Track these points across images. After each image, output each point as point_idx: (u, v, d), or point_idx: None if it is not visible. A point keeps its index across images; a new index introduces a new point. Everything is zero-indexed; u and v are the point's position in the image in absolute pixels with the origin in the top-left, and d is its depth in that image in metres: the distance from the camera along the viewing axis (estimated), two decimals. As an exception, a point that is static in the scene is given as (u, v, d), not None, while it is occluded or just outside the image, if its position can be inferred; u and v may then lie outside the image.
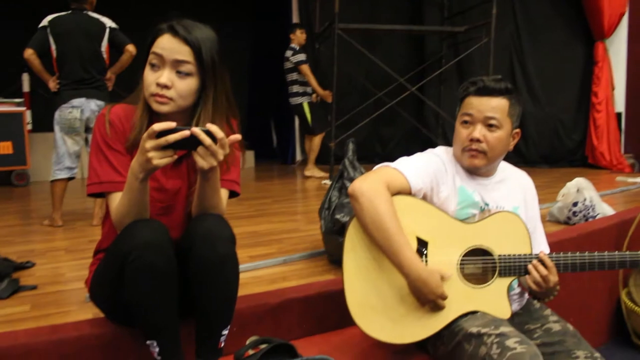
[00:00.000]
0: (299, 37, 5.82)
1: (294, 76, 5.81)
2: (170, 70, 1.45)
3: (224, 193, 1.58)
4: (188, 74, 1.46)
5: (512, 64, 7.08)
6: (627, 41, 6.60)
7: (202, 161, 1.32)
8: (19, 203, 4.70)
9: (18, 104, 5.63)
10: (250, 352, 1.64)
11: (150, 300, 1.38)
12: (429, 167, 1.69)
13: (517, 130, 1.72)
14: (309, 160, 6.02)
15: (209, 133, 1.28)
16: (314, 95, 5.96)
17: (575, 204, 3.32)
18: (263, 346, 1.64)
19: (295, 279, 2.36)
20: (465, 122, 1.67)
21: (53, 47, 3.54)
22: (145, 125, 1.48)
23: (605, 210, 3.36)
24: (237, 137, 1.38)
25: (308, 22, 6.96)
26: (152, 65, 1.46)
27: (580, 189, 3.35)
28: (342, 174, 2.62)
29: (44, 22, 3.53)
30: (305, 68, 5.71)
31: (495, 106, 1.63)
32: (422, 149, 1.79)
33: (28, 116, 5.76)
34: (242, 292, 1.61)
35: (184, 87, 1.46)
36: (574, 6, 6.65)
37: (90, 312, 1.92)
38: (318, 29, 6.77)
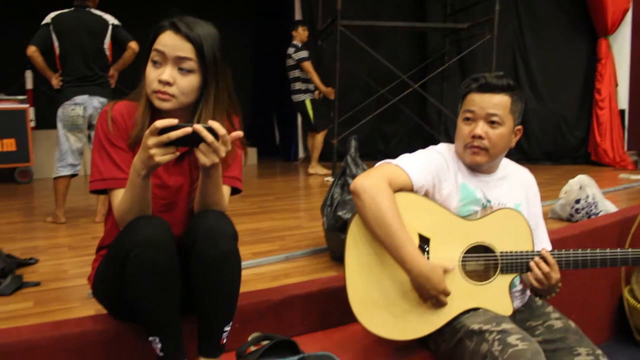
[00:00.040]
0: (301, 34, 5.82)
1: (296, 73, 5.81)
2: (172, 67, 1.45)
3: (226, 190, 1.58)
4: (190, 71, 1.46)
5: (515, 61, 7.06)
6: (631, 38, 6.58)
7: (204, 158, 1.33)
8: (22, 200, 4.71)
9: (21, 101, 5.64)
10: (252, 348, 1.64)
11: (152, 297, 1.39)
12: (431, 164, 1.69)
13: (519, 127, 1.72)
14: (312, 158, 6.01)
15: (211, 130, 1.28)
16: (316, 92, 5.95)
17: (577, 201, 3.32)
18: (265, 343, 1.65)
19: (298, 275, 2.37)
20: (467, 118, 1.67)
21: (56, 44, 3.54)
22: (148, 122, 1.48)
23: (607, 207, 3.36)
24: (239, 133, 1.38)
25: (310, 18, 6.94)
26: (154, 62, 1.47)
27: (582, 186, 3.34)
28: (344, 171, 2.62)
29: (47, 19, 3.53)
30: (307, 65, 5.71)
31: (497, 103, 1.63)
32: (425, 146, 1.79)
33: (31, 113, 5.77)
34: (244, 288, 1.62)
35: (186, 84, 1.46)
36: (577, 2, 6.63)
37: (93, 308, 1.93)
38: (320, 26, 6.76)
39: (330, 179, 5.37)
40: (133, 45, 3.68)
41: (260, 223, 3.46)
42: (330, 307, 1.98)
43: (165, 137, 1.25)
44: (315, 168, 5.96)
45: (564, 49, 6.84)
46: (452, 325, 1.61)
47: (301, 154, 7.43)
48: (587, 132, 6.85)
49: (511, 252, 1.63)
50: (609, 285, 3.00)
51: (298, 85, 5.85)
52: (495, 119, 1.63)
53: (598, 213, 3.30)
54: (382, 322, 1.61)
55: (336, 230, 2.44)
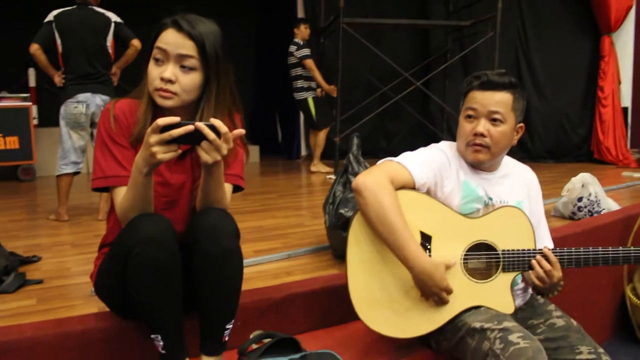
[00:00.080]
0: (303, 32, 5.81)
1: (298, 71, 5.81)
2: (175, 64, 1.45)
3: (228, 187, 1.58)
4: (192, 69, 1.46)
5: (518, 58, 7.05)
6: (634, 35, 6.56)
7: (206, 156, 1.33)
8: (25, 198, 4.72)
9: (24, 99, 5.65)
10: (254, 346, 1.65)
11: (154, 295, 1.39)
12: (432, 161, 1.68)
13: (521, 124, 1.71)
14: (314, 156, 6.01)
15: (212, 127, 1.29)
16: (318, 90, 5.94)
17: (580, 199, 3.32)
18: (267, 340, 1.65)
19: (300, 273, 2.37)
20: (469, 116, 1.67)
21: (58, 42, 3.54)
22: (150, 120, 1.49)
23: (610, 205, 3.35)
24: (241, 131, 1.39)
25: (313, 16, 6.93)
26: (156, 60, 1.47)
27: (585, 184, 3.34)
28: (346, 169, 2.62)
29: (50, 17, 3.54)
30: (310, 63, 5.71)
31: (499, 100, 1.63)
32: (427, 144, 1.79)
33: (34, 111, 5.77)
34: (246, 286, 1.62)
35: (188, 81, 1.46)
36: (581, 0, 6.61)
37: (96, 306, 1.93)
38: (323, 24, 6.76)
39: (333, 176, 5.37)
40: (135, 42, 3.68)
41: (263, 221, 3.46)
42: (332, 305, 1.98)
43: (167, 134, 1.26)
44: (318, 166, 5.96)
45: (566, 47, 6.82)
46: (454, 323, 1.61)
47: (303, 151, 7.43)
48: (590, 129, 6.84)
49: (513, 250, 1.63)
50: (611, 284, 3.00)
51: (300, 83, 5.84)
52: (497, 116, 1.63)
53: (600, 211, 3.29)
54: (384, 320, 1.62)
55: (338, 228, 2.44)
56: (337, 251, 2.56)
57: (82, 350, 1.61)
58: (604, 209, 3.30)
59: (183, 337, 1.48)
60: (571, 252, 1.65)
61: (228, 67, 1.53)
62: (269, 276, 2.34)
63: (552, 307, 1.77)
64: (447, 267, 1.58)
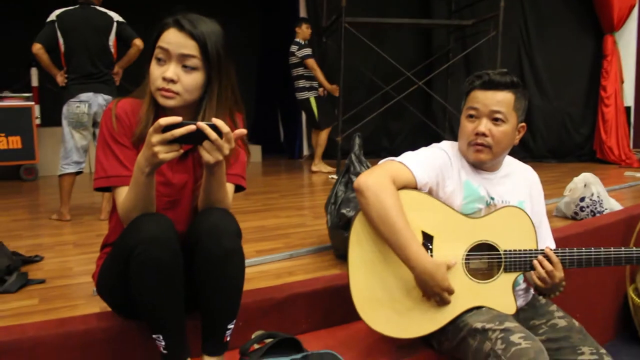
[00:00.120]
0: (304, 31, 5.80)
1: (300, 71, 5.80)
2: (176, 64, 1.45)
3: (229, 187, 1.58)
4: (194, 69, 1.46)
5: (520, 58, 7.04)
6: (637, 34, 6.54)
7: (207, 155, 1.33)
8: (28, 197, 4.73)
9: (27, 99, 5.66)
10: (256, 346, 1.65)
11: (155, 295, 1.39)
12: (434, 161, 1.68)
13: (523, 124, 1.71)
14: (316, 155, 6.01)
15: (214, 127, 1.29)
16: (320, 90, 5.94)
17: (582, 199, 3.31)
18: (268, 340, 1.65)
19: (302, 273, 2.37)
20: (471, 116, 1.67)
21: (61, 41, 3.55)
22: (152, 120, 1.49)
23: (612, 205, 3.35)
24: (243, 131, 1.39)
25: (315, 15, 6.93)
26: (158, 60, 1.47)
27: (587, 184, 3.33)
28: (348, 169, 2.62)
29: (52, 16, 3.54)
30: (311, 62, 5.70)
31: (501, 100, 1.63)
32: (429, 144, 1.79)
33: (37, 111, 5.78)
34: (248, 286, 1.62)
35: (189, 81, 1.46)
36: (583, -1, 6.62)
37: (98, 305, 1.93)
38: (325, 23, 6.75)
39: (335, 176, 5.37)
40: (138, 42, 3.68)
41: (265, 221, 3.46)
42: (334, 305, 1.98)
43: (169, 134, 1.26)
44: (319, 166, 5.96)
45: (569, 46, 6.81)
46: (456, 323, 1.61)
47: (305, 151, 7.43)
48: (593, 129, 6.83)
49: (515, 250, 1.63)
50: (613, 284, 3.00)
51: (302, 83, 5.84)
52: (498, 116, 1.63)
53: (603, 211, 3.28)
54: (386, 320, 1.62)
55: (340, 228, 2.44)
56: (339, 251, 2.56)
57: (84, 350, 1.61)
58: (606, 209, 3.30)
59: (185, 337, 1.48)
60: (573, 252, 1.64)
61: (230, 67, 1.53)
62: (270, 276, 2.34)
63: (553, 307, 1.77)
64: (448, 268, 1.58)
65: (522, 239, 1.65)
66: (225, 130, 1.30)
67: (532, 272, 1.63)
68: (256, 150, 7.37)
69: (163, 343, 1.43)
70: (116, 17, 3.69)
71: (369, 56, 6.73)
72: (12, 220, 3.60)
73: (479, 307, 1.62)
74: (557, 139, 6.96)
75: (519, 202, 1.72)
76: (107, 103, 3.58)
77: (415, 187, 1.64)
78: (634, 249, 1.65)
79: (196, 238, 1.45)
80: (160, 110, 1.51)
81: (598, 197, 3.30)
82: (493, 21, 6.03)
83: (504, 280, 1.63)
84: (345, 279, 1.65)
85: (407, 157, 1.68)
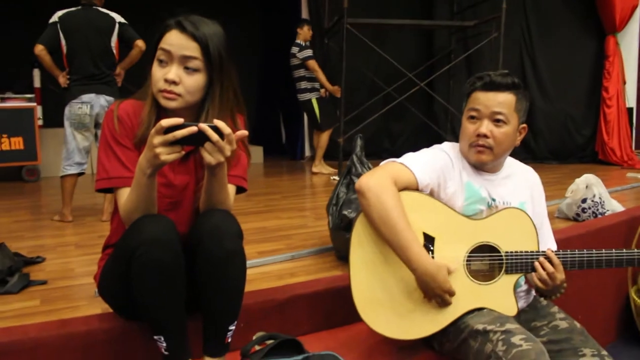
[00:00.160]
0: (305, 33, 5.79)
1: (301, 72, 5.80)
2: (178, 66, 1.45)
3: (231, 189, 1.58)
4: (196, 70, 1.46)
5: (522, 59, 7.04)
6: (639, 35, 6.53)
7: (209, 157, 1.33)
8: (30, 198, 4.74)
9: (29, 100, 5.67)
10: (257, 347, 1.65)
11: (157, 296, 1.40)
12: (435, 162, 1.68)
13: (524, 125, 1.71)
14: (317, 157, 6.00)
15: (216, 129, 1.29)
16: (322, 90, 5.94)
17: (584, 201, 3.31)
18: (269, 342, 1.65)
19: (303, 275, 2.37)
20: (472, 117, 1.67)
21: (63, 42, 3.55)
22: (153, 121, 1.49)
23: (614, 206, 3.34)
24: (244, 133, 1.39)
25: (317, 16, 6.94)
26: (160, 61, 1.47)
27: (589, 185, 3.33)
28: (350, 170, 2.62)
29: (54, 17, 3.55)
30: (313, 63, 5.70)
31: (502, 101, 1.63)
32: (431, 145, 1.79)
33: (39, 112, 5.80)
34: (250, 287, 1.62)
35: (191, 83, 1.46)
36: (585, 0, 6.59)
37: (99, 307, 1.94)
38: (327, 24, 6.76)
39: (337, 177, 5.37)
40: (140, 43, 3.69)
41: (266, 222, 3.46)
42: (336, 306, 1.98)
43: (170, 136, 1.26)
44: (319, 167, 5.95)
45: (571, 47, 6.81)
46: (457, 325, 1.61)
47: (307, 152, 7.44)
48: (595, 130, 6.82)
49: (516, 252, 1.63)
50: (615, 286, 2.99)
51: (304, 84, 5.84)
52: (500, 117, 1.63)
53: (604, 212, 3.28)
54: (387, 322, 1.61)
55: (341, 230, 2.44)
56: (341, 252, 2.56)
57: (85, 351, 1.61)
58: (608, 211, 3.30)
59: (186, 338, 1.48)
60: (574, 254, 1.64)
61: (231, 68, 1.54)
62: (272, 277, 2.34)
63: (555, 309, 1.76)
64: (449, 272, 1.58)
65: (524, 240, 1.65)
66: (226, 132, 1.30)
67: (533, 273, 1.63)
68: (258, 151, 7.38)
69: (164, 344, 1.44)
70: (118, 18, 3.69)
71: (370, 57, 6.73)
72: (14, 221, 3.61)
73: (480, 309, 1.62)
74: (559, 140, 6.96)
75: (520, 203, 1.72)
76: (109, 104, 3.59)
77: (416, 189, 1.64)
78: (635, 250, 1.65)
79: (197, 239, 1.45)
80: (162, 112, 1.52)
81: (600, 198, 3.30)
82: (495, 22, 6.03)
83: (505, 282, 1.63)
84: (346, 280, 1.65)
85: (409, 158, 1.68)
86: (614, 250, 1.65)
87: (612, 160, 6.50)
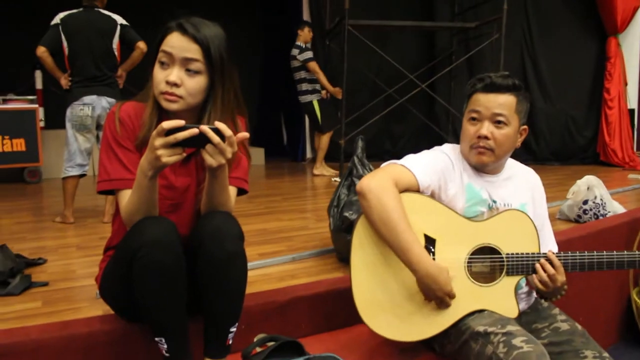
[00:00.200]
0: (306, 34, 5.79)
1: (302, 74, 5.80)
2: (180, 68, 1.46)
3: (232, 191, 1.58)
4: (197, 72, 1.47)
5: (523, 60, 7.04)
6: (641, 36, 6.54)
7: (210, 159, 1.33)
8: (31, 200, 4.74)
9: (31, 101, 5.68)
10: (258, 349, 1.65)
11: (158, 298, 1.40)
12: (436, 164, 1.68)
13: (525, 126, 1.71)
14: (317, 159, 6.00)
15: (217, 131, 1.29)
16: (323, 92, 5.94)
17: (585, 202, 3.31)
18: (270, 344, 1.65)
19: (304, 276, 2.37)
20: (473, 118, 1.67)
21: (65, 44, 3.56)
22: (155, 123, 1.49)
23: (615, 208, 3.34)
24: (245, 135, 1.39)
25: (318, 18, 6.94)
26: (162, 64, 1.47)
27: (590, 187, 3.33)
28: (351, 172, 2.62)
29: (56, 19, 3.56)
30: (313, 65, 5.70)
31: (503, 103, 1.63)
32: (432, 146, 1.79)
33: (40, 113, 5.80)
34: (250, 289, 1.62)
35: (193, 85, 1.47)
36: (586, 1, 6.60)
37: (101, 308, 1.94)
38: (328, 26, 6.76)
39: (338, 179, 5.37)
40: (141, 45, 3.69)
41: (267, 224, 3.47)
42: (337, 308, 1.98)
43: (172, 138, 1.26)
44: (321, 169, 5.95)
45: (572, 48, 6.81)
46: (458, 327, 1.60)
47: (309, 154, 7.43)
48: (596, 131, 6.82)
49: (517, 253, 1.63)
50: (616, 287, 2.99)
51: (305, 86, 5.84)
52: (500, 119, 1.63)
53: (606, 214, 3.28)
54: (387, 323, 1.61)
55: (342, 231, 2.44)
56: (342, 254, 2.56)
57: (87, 353, 1.61)
58: (609, 212, 3.29)
59: (187, 340, 1.48)
60: (575, 256, 1.64)
61: (233, 70, 1.54)
62: (273, 279, 2.34)
63: (556, 311, 1.76)
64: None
65: (525, 242, 1.65)
66: (228, 134, 1.30)
67: (533, 275, 1.63)
68: (259, 153, 7.38)
69: (165, 346, 1.44)
70: (120, 20, 3.70)
71: (372, 59, 6.73)
72: (16, 223, 3.61)
73: (481, 311, 1.61)
74: (561, 142, 6.96)
75: (521, 204, 1.72)
76: (110, 106, 3.59)
77: (417, 190, 1.64)
78: (637, 252, 1.65)
79: (199, 241, 1.46)
80: (164, 114, 1.52)
81: (601, 199, 3.30)
82: (496, 24, 6.03)
83: (506, 284, 1.63)
84: (347, 282, 1.65)
85: (409, 160, 1.69)
86: (615, 253, 1.64)
87: (613, 161, 6.49)
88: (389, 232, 1.55)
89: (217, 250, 1.44)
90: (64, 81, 3.59)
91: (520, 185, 1.77)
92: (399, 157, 1.72)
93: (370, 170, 2.51)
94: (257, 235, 3.11)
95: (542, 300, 1.79)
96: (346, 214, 2.43)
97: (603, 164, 6.63)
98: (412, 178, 1.63)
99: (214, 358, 1.52)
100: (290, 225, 3.40)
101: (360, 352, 1.77)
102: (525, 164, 1.87)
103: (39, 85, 6.25)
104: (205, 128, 1.27)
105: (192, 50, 1.45)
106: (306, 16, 7.00)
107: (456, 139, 1.73)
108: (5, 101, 5.58)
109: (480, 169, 1.72)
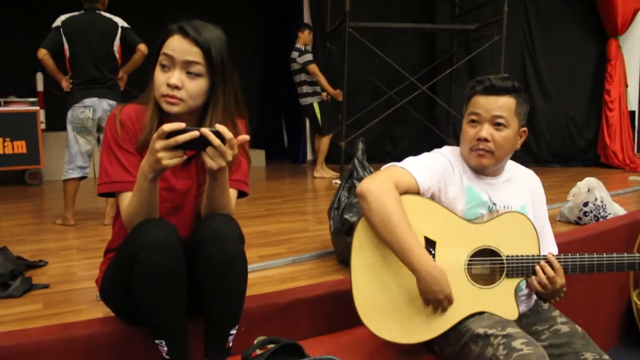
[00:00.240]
0: (306, 37, 5.79)
1: (302, 77, 5.80)
2: (181, 71, 1.46)
3: (232, 193, 1.59)
4: (198, 75, 1.47)
5: (524, 62, 7.04)
6: (641, 38, 6.54)
7: (211, 162, 1.33)
8: (32, 202, 4.75)
9: (32, 104, 5.70)
10: (258, 351, 1.65)
11: (158, 300, 1.40)
12: (436, 166, 1.69)
13: (524, 128, 1.71)
14: (318, 161, 6.00)
15: (217, 134, 1.29)
16: (324, 94, 5.94)
17: (585, 204, 3.30)
18: (271, 346, 1.65)
19: (305, 279, 2.37)
20: (473, 121, 1.67)
21: (66, 47, 3.56)
22: (156, 126, 1.49)
23: (616, 210, 3.34)
24: (246, 137, 1.40)
25: (319, 20, 6.95)
26: (163, 66, 1.48)
27: (591, 189, 3.33)
28: (351, 174, 2.62)
29: (57, 22, 3.56)
30: (313, 67, 5.70)
31: (503, 105, 1.63)
32: (433, 148, 1.79)
33: (42, 115, 5.81)
34: (251, 292, 1.62)
35: (194, 87, 1.47)
36: (587, 3, 6.60)
37: (101, 311, 1.94)
38: (329, 28, 6.77)
39: (339, 181, 5.37)
40: (142, 47, 3.70)
41: (268, 226, 3.47)
42: (337, 310, 1.98)
43: (172, 140, 1.26)
44: (321, 172, 5.95)
45: (573, 50, 6.81)
46: (458, 329, 1.60)
47: (309, 156, 7.43)
48: (597, 133, 6.81)
49: (517, 256, 1.63)
50: (617, 289, 2.99)
51: (305, 89, 5.84)
52: (500, 121, 1.63)
53: (606, 216, 3.28)
54: (388, 326, 1.62)
55: (343, 234, 2.44)
56: (342, 256, 2.56)
57: (87, 355, 1.62)
58: (609, 214, 3.29)
59: (187, 342, 1.48)
60: (575, 258, 1.64)
61: (233, 73, 1.55)
62: (273, 281, 2.34)
63: (556, 313, 1.76)
64: None
65: (525, 244, 1.65)
66: (228, 137, 1.30)
67: (533, 277, 1.63)
68: (260, 155, 7.38)
69: (165, 348, 1.44)
70: (121, 22, 3.71)
71: (372, 61, 6.73)
72: (17, 225, 3.61)
73: (481, 313, 1.61)
74: (561, 144, 6.96)
75: (521, 207, 1.72)
76: (111, 108, 3.60)
77: (417, 192, 1.65)
78: (637, 255, 1.65)
79: (199, 244, 1.46)
80: (164, 117, 1.52)
81: (601, 201, 3.30)
82: (497, 26, 6.03)
83: (506, 286, 1.63)
84: (347, 284, 1.65)
85: (409, 162, 1.69)
86: (615, 255, 1.64)
87: (614, 163, 6.49)
88: (390, 233, 1.55)
89: (217, 253, 1.44)
90: (65, 83, 3.59)
91: (520, 187, 1.77)
92: (400, 159, 1.72)
93: (371, 172, 2.51)
94: (258, 238, 3.11)
95: (542, 303, 1.80)
96: (346, 216, 2.43)
97: (603, 165, 6.63)
98: (412, 180, 1.63)
99: (214, 360, 1.52)
100: (290, 228, 3.40)
101: (360, 355, 1.77)
102: (526, 166, 1.87)
103: (40, 87, 6.26)
104: (205, 131, 1.28)
105: (193, 53, 1.46)
106: (307, 18, 7.01)
107: (457, 141, 1.74)
108: (6, 103, 5.60)
109: (480, 171, 1.72)
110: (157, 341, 1.45)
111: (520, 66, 7.00)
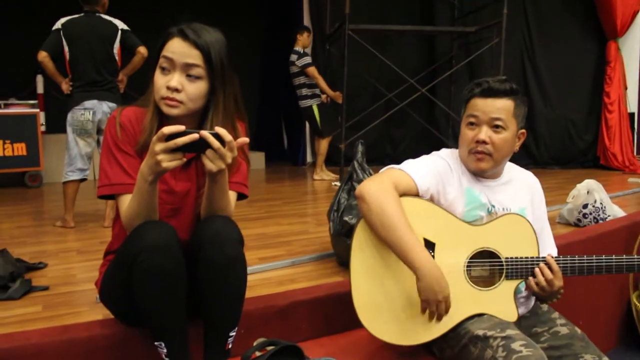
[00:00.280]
0: (305, 39, 5.80)
1: (301, 79, 5.80)
2: (181, 73, 1.46)
3: (232, 195, 1.59)
4: (198, 78, 1.47)
5: (524, 64, 7.05)
6: (641, 40, 6.55)
7: (210, 164, 1.34)
8: (32, 204, 4.75)
9: (32, 106, 5.69)
10: (258, 353, 1.65)
11: (158, 302, 1.40)
12: (435, 168, 1.69)
13: (523, 130, 1.71)
14: (317, 164, 6.00)
15: (217, 136, 1.30)
16: (323, 96, 5.95)
17: (585, 206, 3.31)
18: (270, 348, 1.66)
19: (304, 281, 2.37)
20: (471, 123, 1.67)
21: (66, 49, 3.57)
22: (155, 128, 1.50)
23: (615, 212, 3.34)
24: (245, 140, 1.40)
25: (319, 22, 6.96)
26: (163, 69, 1.48)
27: (590, 191, 3.33)
28: (351, 176, 2.63)
29: (57, 24, 3.57)
30: (312, 70, 5.70)
31: (501, 107, 1.63)
32: (433, 150, 1.80)
33: (42, 118, 5.81)
34: (250, 294, 1.62)
35: (193, 90, 1.48)
36: (586, 5, 6.61)
37: (101, 313, 1.94)
38: (329, 30, 6.78)
39: (338, 183, 5.37)
40: (142, 50, 3.70)
41: (267, 228, 3.47)
42: (336, 312, 1.99)
43: (172, 143, 1.27)
44: (321, 174, 5.95)
45: (572, 52, 6.82)
46: (457, 330, 1.61)
47: (309, 158, 7.44)
48: (596, 135, 6.82)
49: (516, 257, 1.63)
50: (616, 291, 2.99)
51: (304, 91, 5.84)
52: (499, 123, 1.63)
53: (606, 218, 3.28)
54: (387, 327, 1.62)
55: (342, 236, 2.45)
56: (342, 258, 2.57)
57: (87, 357, 1.62)
58: (609, 216, 3.30)
59: (187, 344, 1.48)
60: (574, 260, 1.65)
61: (233, 76, 1.55)
62: (273, 283, 2.34)
63: (556, 314, 1.77)
64: None
65: (524, 246, 1.65)
66: (228, 139, 1.31)
67: (530, 278, 1.63)
68: (259, 157, 7.38)
69: (165, 350, 1.44)
70: (121, 25, 3.71)
71: (372, 63, 6.74)
72: (17, 227, 3.62)
73: (480, 315, 1.62)
74: (561, 146, 6.96)
75: (520, 209, 1.73)
76: (111, 110, 3.60)
77: (416, 194, 1.65)
78: (636, 257, 1.65)
79: (199, 246, 1.46)
80: (164, 119, 1.52)
81: (601, 203, 3.30)
82: (496, 28, 6.04)
83: (506, 288, 1.64)
84: (347, 286, 1.65)
85: (408, 164, 1.70)
86: (614, 257, 1.65)
87: (613, 165, 6.50)
88: (389, 234, 1.55)
89: (216, 255, 1.45)
90: (65, 86, 3.60)
91: (519, 189, 1.77)
92: (399, 161, 1.73)
93: (370, 174, 2.51)
94: (257, 240, 3.11)
95: (542, 304, 1.80)
96: (346, 218, 2.44)
97: (603, 167, 6.64)
98: (411, 182, 1.64)
99: (214, 362, 1.52)
100: (290, 230, 3.40)
101: (360, 356, 1.77)
102: (526, 168, 1.87)
103: (40, 89, 6.27)
104: (205, 133, 1.28)
105: (192, 55, 1.46)
106: (306, 20, 7.01)
107: (456, 143, 1.74)
108: (6, 105, 5.60)
109: (478, 173, 1.72)
110: (156, 343, 1.45)
111: (519, 68, 7.01)
